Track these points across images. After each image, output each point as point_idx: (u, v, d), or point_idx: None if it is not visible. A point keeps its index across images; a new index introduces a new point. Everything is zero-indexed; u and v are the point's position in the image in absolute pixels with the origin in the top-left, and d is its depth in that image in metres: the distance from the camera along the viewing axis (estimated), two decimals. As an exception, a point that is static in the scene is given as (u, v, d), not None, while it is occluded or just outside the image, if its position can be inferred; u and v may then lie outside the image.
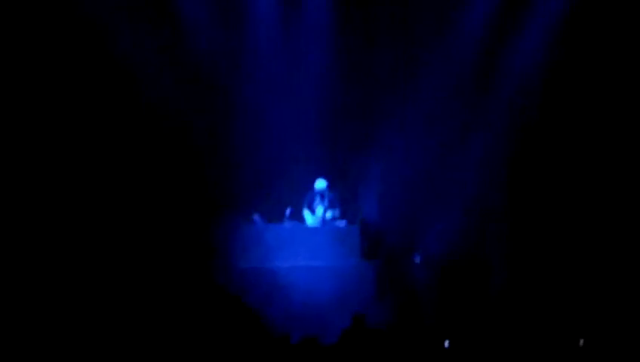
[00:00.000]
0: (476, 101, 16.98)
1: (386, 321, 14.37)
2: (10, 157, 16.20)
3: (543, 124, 16.74)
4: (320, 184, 15.72)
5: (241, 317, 14.14)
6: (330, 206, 15.65)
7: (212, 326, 14.13)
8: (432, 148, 16.89)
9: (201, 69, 17.14)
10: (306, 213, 15.74)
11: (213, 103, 17.18)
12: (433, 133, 16.89)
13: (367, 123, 17.13)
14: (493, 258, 16.59)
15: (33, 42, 16.28)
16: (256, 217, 15.40)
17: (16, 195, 16.12)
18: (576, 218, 16.50)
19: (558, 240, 16.44)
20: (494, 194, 16.79)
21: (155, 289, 15.49)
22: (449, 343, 12.16)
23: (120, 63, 16.63)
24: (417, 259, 15.69)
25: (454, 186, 16.75)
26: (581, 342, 12.14)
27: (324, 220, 15.60)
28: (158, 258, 16.13)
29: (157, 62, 16.85)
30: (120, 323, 14.71)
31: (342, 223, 15.50)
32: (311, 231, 15.44)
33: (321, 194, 15.67)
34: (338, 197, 15.72)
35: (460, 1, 17.02)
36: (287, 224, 15.43)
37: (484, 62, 16.98)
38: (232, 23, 17.19)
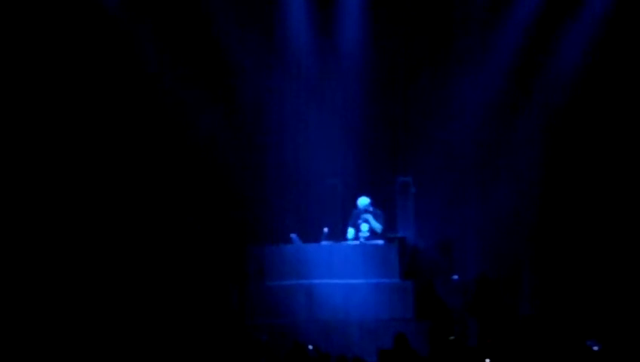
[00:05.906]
0: (510, 121, 17.01)
1: (424, 341, 14.33)
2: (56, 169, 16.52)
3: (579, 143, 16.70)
4: (363, 201, 15.68)
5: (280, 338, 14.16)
6: (375, 218, 15.55)
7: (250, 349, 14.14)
8: (468, 166, 16.96)
9: (239, 95, 17.35)
10: (350, 231, 15.65)
11: (249, 123, 17.37)
12: (470, 153, 16.95)
13: (403, 142, 17.22)
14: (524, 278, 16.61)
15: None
16: (293, 236, 15.38)
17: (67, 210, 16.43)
18: (609, 236, 16.41)
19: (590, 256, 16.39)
20: (528, 211, 16.79)
21: (188, 311, 15.60)
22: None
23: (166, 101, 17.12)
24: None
25: (490, 205, 16.78)
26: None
27: (366, 237, 15.54)
28: (193, 278, 16.23)
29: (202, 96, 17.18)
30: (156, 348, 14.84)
31: (380, 241, 15.42)
32: (349, 248, 15.35)
33: (365, 211, 15.60)
34: (381, 214, 15.65)
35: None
36: (325, 243, 15.39)
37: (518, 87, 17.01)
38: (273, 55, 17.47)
